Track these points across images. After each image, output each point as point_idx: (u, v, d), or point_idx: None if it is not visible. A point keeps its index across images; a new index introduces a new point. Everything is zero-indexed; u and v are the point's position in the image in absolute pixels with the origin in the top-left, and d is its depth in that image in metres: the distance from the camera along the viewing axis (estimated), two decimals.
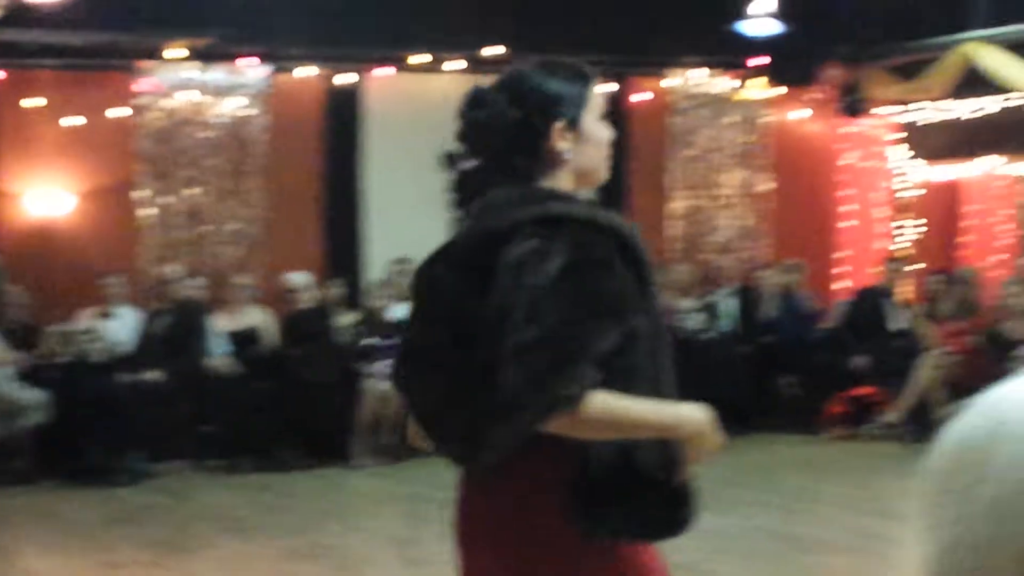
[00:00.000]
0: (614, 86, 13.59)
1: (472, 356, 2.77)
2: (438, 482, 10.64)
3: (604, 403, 2.68)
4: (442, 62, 12.98)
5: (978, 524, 1.22)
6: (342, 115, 13.17)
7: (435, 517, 9.21)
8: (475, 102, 3.00)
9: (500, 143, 2.97)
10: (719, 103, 13.93)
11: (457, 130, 3.04)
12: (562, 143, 2.96)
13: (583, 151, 3.00)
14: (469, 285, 2.82)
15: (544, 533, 2.80)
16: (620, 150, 14.43)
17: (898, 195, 14.92)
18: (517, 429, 2.69)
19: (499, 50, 12.71)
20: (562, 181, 2.96)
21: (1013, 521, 1.20)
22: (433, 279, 2.95)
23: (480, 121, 2.98)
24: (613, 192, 13.58)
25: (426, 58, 12.99)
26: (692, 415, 2.80)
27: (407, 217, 12.85)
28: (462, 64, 12.91)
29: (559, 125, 2.95)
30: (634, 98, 13.84)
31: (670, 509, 2.84)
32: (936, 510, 1.29)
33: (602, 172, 3.06)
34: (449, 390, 2.83)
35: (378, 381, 11.15)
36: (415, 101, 13.06)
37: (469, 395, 2.76)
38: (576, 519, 2.77)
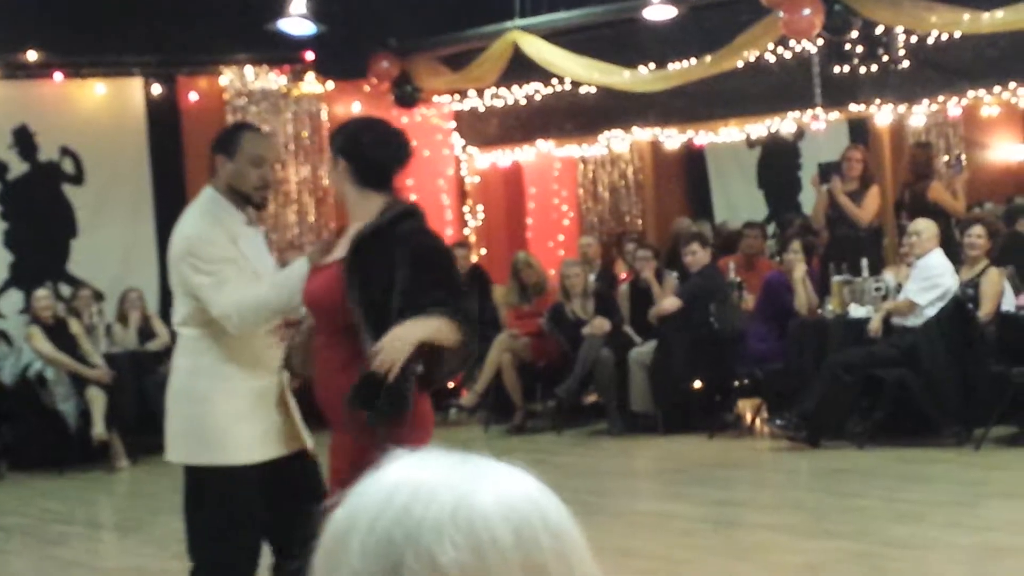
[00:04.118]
0: (162, 87, 14.11)
1: None
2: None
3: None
4: None
5: None
6: None
7: None
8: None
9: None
10: (274, 99, 14.53)
11: None
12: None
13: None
14: None
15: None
16: (177, 150, 14.83)
17: (465, 182, 15.96)
18: None
19: (37, 55, 13.06)
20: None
21: None
22: None
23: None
24: (173, 194, 14.07)
25: None
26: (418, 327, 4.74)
27: None
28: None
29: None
30: (189, 97, 14.35)
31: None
32: None
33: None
34: None
35: None
36: None
37: None
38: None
